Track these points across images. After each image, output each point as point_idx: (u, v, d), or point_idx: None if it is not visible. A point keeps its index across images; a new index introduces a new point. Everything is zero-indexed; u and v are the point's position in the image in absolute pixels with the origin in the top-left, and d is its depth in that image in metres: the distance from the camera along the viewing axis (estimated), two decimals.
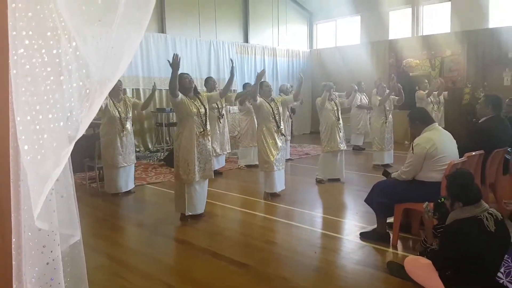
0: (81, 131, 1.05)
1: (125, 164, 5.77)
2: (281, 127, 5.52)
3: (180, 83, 4.48)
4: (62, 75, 0.99)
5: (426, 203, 3.17)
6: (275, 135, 5.40)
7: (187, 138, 4.49)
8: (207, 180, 4.79)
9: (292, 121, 9.40)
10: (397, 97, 7.77)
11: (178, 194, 4.65)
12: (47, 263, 1.13)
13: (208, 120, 4.65)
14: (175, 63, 4.17)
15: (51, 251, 1.13)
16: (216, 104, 6.87)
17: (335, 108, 6.41)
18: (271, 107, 5.42)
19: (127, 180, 5.91)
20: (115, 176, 5.77)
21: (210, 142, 4.71)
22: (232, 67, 5.08)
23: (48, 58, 0.99)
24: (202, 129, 4.54)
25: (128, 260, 3.68)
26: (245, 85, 8.18)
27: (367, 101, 9.76)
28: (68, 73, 1.00)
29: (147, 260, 3.68)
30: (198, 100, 4.60)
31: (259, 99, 5.35)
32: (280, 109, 5.57)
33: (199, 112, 4.53)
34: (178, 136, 4.57)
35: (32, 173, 1.00)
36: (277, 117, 5.45)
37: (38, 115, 0.98)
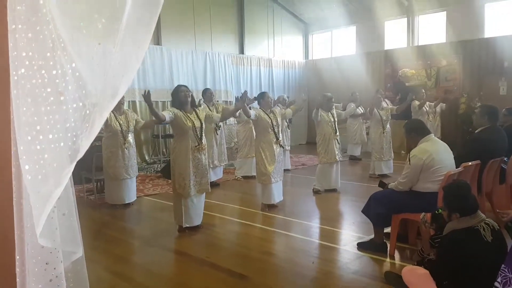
0: (82, 152, 1.06)
1: (128, 176, 5.81)
2: (280, 138, 5.54)
3: (177, 96, 4.50)
4: (62, 96, 1.01)
5: (423, 214, 3.19)
6: (274, 146, 5.41)
7: (182, 153, 4.47)
8: (204, 193, 4.78)
9: (289, 131, 9.42)
10: (395, 107, 7.83)
11: (176, 206, 4.65)
12: (50, 280, 1.14)
13: (204, 134, 4.62)
14: (146, 98, 4.15)
15: (54, 268, 1.14)
16: (209, 110, 6.89)
17: (332, 120, 6.43)
18: (270, 118, 5.43)
19: (129, 192, 5.93)
20: (117, 188, 5.80)
21: (206, 156, 4.69)
22: (242, 97, 4.94)
23: (48, 79, 1.00)
24: (197, 144, 4.50)
25: (126, 272, 3.67)
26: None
27: (362, 111, 9.82)
28: (68, 94, 1.01)
29: (145, 272, 3.68)
30: (194, 113, 4.57)
31: (254, 113, 5.34)
32: (279, 120, 5.59)
33: (194, 126, 4.49)
34: (174, 150, 4.57)
35: (33, 193, 1.01)
36: (276, 129, 5.46)
37: (39, 135, 0.99)
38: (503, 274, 2.38)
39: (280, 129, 5.60)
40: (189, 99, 4.53)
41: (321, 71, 13.94)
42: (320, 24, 14.21)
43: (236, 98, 6.41)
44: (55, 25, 0.98)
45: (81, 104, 1.02)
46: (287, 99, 8.87)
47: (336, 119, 6.50)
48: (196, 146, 4.49)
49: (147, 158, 10.26)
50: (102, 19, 0.98)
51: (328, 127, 6.39)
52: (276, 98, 8.61)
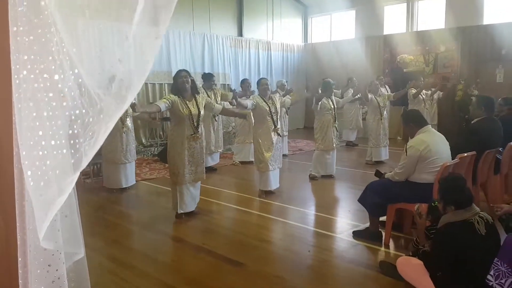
0: (85, 163, 1.06)
1: (126, 161, 5.82)
2: (278, 126, 5.52)
3: (175, 82, 4.45)
4: (65, 101, 1.00)
5: (417, 205, 3.22)
6: (272, 134, 5.40)
7: (178, 140, 4.46)
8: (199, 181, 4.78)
9: (287, 117, 9.42)
10: (392, 94, 7.83)
11: (173, 193, 4.67)
12: (53, 281, 1.15)
13: (200, 122, 4.56)
14: (134, 109, 4.18)
15: (56, 270, 1.15)
16: (207, 96, 6.86)
17: (332, 107, 6.43)
18: (268, 105, 5.40)
19: (127, 176, 5.95)
20: (115, 172, 5.83)
21: (202, 144, 4.63)
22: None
23: (51, 83, 0.99)
24: (192, 132, 4.46)
25: (123, 258, 3.71)
26: (243, 81, 8.16)
27: (359, 95, 9.80)
28: (71, 99, 1.01)
29: (142, 258, 3.72)
30: (194, 100, 4.51)
31: (251, 102, 5.32)
32: (278, 107, 5.54)
33: (191, 114, 4.42)
34: (171, 137, 4.56)
35: (36, 199, 1.01)
36: (274, 116, 5.43)
37: (41, 140, 0.99)
38: (496, 267, 2.43)
39: (278, 116, 5.56)
40: (188, 86, 4.43)
41: (320, 55, 13.85)
42: (320, 7, 14.03)
43: (234, 92, 6.35)
44: (57, 28, 0.96)
45: (84, 111, 1.01)
46: (286, 84, 8.83)
47: (335, 106, 6.50)
48: (191, 135, 4.46)
49: (143, 141, 10.24)
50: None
51: (328, 115, 6.39)
52: (276, 83, 8.63)
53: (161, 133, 10.52)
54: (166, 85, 10.37)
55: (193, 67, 11.06)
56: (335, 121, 6.43)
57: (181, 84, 4.41)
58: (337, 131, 6.56)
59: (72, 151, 1.02)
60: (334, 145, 6.48)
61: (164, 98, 4.42)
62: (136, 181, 6.38)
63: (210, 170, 7.30)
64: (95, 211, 5.10)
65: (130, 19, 1.04)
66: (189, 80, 4.45)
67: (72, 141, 1.02)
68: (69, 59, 0.98)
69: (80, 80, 1.00)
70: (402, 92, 7.74)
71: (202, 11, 11.53)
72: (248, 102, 5.30)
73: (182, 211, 4.63)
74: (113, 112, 1.02)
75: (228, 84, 11.89)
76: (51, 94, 0.99)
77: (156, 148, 9.38)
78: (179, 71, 4.54)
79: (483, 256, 2.56)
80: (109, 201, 5.56)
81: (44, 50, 0.98)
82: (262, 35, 13.33)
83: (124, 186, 5.92)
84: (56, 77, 0.98)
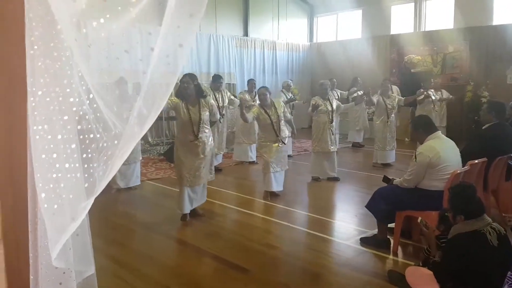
0: (98, 190, 1.04)
1: (127, 163, 5.80)
2: (279, 136, 5.42)
3: (179, 87, 4.43)
4: (80, 125, 0.98)
5: (420, 218, 3.20)
6: (273, 143, 5.40)
7: (181, 143, 4.49)
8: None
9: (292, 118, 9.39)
10: (402, 98, 7.76)
11: (178, 193, 4.67)
12: None
13: (202, 128, 4.45)
14: None
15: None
16: (217, 102, 6.86)
17: (330, 109, 6.36)
18: (269, 116, 5.35)
19: (132, 176, 5.97)
20: (122, 172, 5.82)
21: (206, 149, 4.54)
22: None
23: (65, 106, 0.97)
24: (192, 138, 4.41)
25: (127, 260, 3.70)
26: (249, 81, 8.19)
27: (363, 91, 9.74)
28: (86, 123, 0.99)
29: (147, 261, 3.70)
30: (198, 105, 4.44)
31: (251, 116, 5.34)
32: (281, 114, 5.45)
33: (191, 119, 4.36)
34: (176, 137, 4.59)
35: (49, 220, 0.99)
36: (275, 126, 5.37)
37: (55, 163, 0.97)
38: (510, 282, 2.39)
39: (280, 124, 5.45)
40: (189, 91, 4.37)
41: (326, 55, 13.78)
42: (326, 6, 13.95)
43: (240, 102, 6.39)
44: (72, 53, 0.94)
45: (98, 135, 0.99)
46: (291, 84, 8.82)
47: (334, 108, 6.43)
48: (191, 141, 4.43)
49: (150, 139, 10.25)
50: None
51: (324, 116, 6.34)
52: (282, 83, 8.71)
53: (167, 132, 10.52)
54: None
55: (199, 68, 11.06)
56: (331, 122, 6.36)
57: (182, 90, 4.39)
58: (333, 134, 6.45)
59: (86, 175, 1.00)
60: (330, 149, 6.39)
61: (169, 99, 4.40)
62: (142, 181, 6.38)
63: (214, 170, 7.31)
64: (99, 212, 5.09)
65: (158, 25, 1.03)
66: (191, 85, 4.38)
67: (86, 165, 1.00)
68: (84, 84, 0.96)
69: (95, 105, 0.98)
70: (413, 97, 7.72)
71: (209, 12, 11.48)
72: (249, 117, 5.30)
73: (186, 212, 4.63)
74: (129, 139, 0.99)
75: (233, 84, 11.87)
76: (66, 117, 0.97)
77: (162, 147, 9.37)
78: (183, 76, 4.49)
79: (496, 269, 2.53)
80: (114, 201, 5.55)
81: (60, 73, 0.96)
82: (267, 35, 13.28)
83: (129, 186, 5.92)
84: (71, 100, 0.97)
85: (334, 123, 6.46)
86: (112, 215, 5.01)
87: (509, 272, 2.45)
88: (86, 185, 1.00)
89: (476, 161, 3.79)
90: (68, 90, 0.96)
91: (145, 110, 1.01)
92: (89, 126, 1.05)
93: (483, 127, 4.45)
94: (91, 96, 0.97)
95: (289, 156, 8.47)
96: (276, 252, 3.91)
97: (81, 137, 0.99)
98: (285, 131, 5.61)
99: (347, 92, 9.47)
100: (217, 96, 7.01)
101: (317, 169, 6.53)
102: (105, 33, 0.97)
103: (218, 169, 7.36)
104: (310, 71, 14.39)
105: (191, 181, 4.52)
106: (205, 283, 3.28)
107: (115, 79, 1.10)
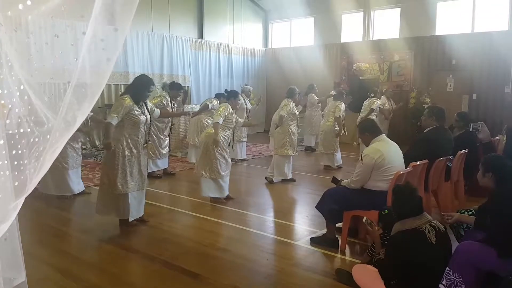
0: (30, 188, 0.97)
1: (77, 166, 5.72)
2: (231, 144, 5.61)
3: (140, 88, 4.29)
4: (8, 119, 0.91)
5: (365, 217, 3.31)
6: (225, 146, 5.42)
7: (129, 148, 4.28)
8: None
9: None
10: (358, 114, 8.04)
11: (120, 200, 4.41)
12: None
13: (150, 130, 4.48)
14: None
15: None
16: (170, 104, 6.75)
17: (297, 113, 6.58)
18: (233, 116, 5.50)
19: (74, 182, 5.71)
20: (62, 179, 5.57)
21: (146, 152, 4.56)
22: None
23: None
24: (144, 141, 4.38)
25: (72, 270, 3.51)
26: (217, 95, 8.11)
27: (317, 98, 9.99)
28: (15, 118, 0.91)
29: (94, 270, 3.55)
30: (144, 107, 4.38)
31: (221, 120, 5.30)
32: (234, 118, 5.58)
33: (146, 121, 4.34)
34: (119, 142, 4.24)
35: None
36: (227, 138, 5.48)
37: None
38: (448, 277, 2.51)
39: (233, 134, 5.67)
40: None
41: (280, 60, 14.00)
42: (280, 13, 14.19)
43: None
44: (1, 43, 0.87)
45: (29, 130, 0.92)
46: (251, 91, 8.94)
47: (297, 115, 6.63)
48: (143, 145, 4.37)
49: (97, 143, 9.87)
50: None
51: (293, 122, 6.50)
52: (242, 88, 8.84)
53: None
54: (122, 86, 10.04)
55: (151, 69, 10.83)
56: (297, 129, 6.58)
57: (145, 96, 4.34)
58: (296, 138, 6.67)
59: (16, 173, 0.92)
60: (294, 153, 6.59)
61: (121, 103, 4.23)
62: (88, 186, 6.12)
63: (168, 174, 7.16)
64: (42, 219, 4.83)
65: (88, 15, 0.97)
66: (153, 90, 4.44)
67: (15, 162, 0.93)
68: (14, 75, 0.89)
69: (26, 97, 0.91)
70: (368, 113, 8.12)
71: (162, 12, 11.31)
72: (220, 120, 5.26)
73: (133, 218, 4.47)
74: (61, 133, 0.93)
75: (187, 87, 11.73)
76: None
77: None
78: (149, 81, 4.40)
79: (435, 265, 2.65)
80: (58, 208, 5.28)
81: None
82: (223, 39, 13.27)
83: (73, 193, 5.67)
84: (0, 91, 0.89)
85: (298, 128, 6.63)
86: (56, 223, 4.75)
87: (447, 268, 2.58)
88: (16, 183, 0.93)
89: (418, 163, 3.98)
90: None
91: (77, 100, 0.95)
92: (19, 120, 0.97)
93: (424, 131, 4.68)
94: (21, 87, 0.90)
95: (243, 159, 8.55)
96: (228, 255, 3.88)
97: (10, 132, 0.91)
98: (241, 132, 5.69)
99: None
100: (173, 103, 6.91)
101: (277, 172, 6.59)
102: (33, 16, 0.91)
103: (171, 173, 7.22)
104: (265, 76, 14.56)
105: (137, 186, 4.40)
106: None
107: (45, 66, 1.03)
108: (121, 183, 4.26)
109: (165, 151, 7.00)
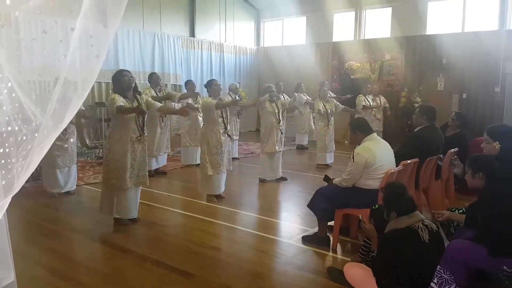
0: (16, 188, 0.95)
1: (64, 166, 5.61)
2: (228, 128, 5.49)
3: (118, 81, 4.26)
4: None
5: (361, 216, 3.32)
6: (221, 137, 5.35)
7: (121, 143, 4.26)
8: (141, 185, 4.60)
9: (239, 121, 9.42)
10: (342, 106, 8.05)
11: (105, 195, 4.46)
12: None
13: (145, 124, 4.42)
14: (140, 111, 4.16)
15: None
16: (160, 102, 6.70)
17: (276, 111, 6.48)
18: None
19: (67, 180, 5.68)
20: (55, 176, 5.56)
21: (146, 146, 4.51)
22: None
23: None
24: (138, 134, 4.34)
25: (63, 269, 3.48)
26: (187, 82, 8.03)
27: (307, 98, 9.97)
28: (2, 115, 0.89)
29: (84, 269, 3.51)
30: (136, 101, 4.34)
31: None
32: (228, 110, 5.53)
33: (137, 116, 4.29)
34: (111, 138, 4.32)
35: None
36: (225, 119, 5.40)
37: None
38: (439, 275, 2.52)
39: (229, 119, 5.55)
40: (133, 85, 4.32)
41: (272, 59, 14.00)
42: (272, 11, 14.18)
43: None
44: None
45: (16, 128, 0.90)
46: (238, 87, 8.85)
47: (280, 109, 6.55)
48: (137, 137, 4.32)
49: (87, 142, 9.78)
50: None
51: (272, 117, 6.44)
52: (229, 86, 8.72)
53: (106, 134, 10.09)
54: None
55: (142, 67, 10.76)
56: (279, 123, 6.48)
57: (127, 83, 4.25)
58: (282, 133, 6.57)
59: (3, 171, 0.90)
60: (277, 148, 6.50)
61: (115, 98, 4.19)
62: (79, 185, 6.07)
63: (159, 173, 7.12)
64: (33, 218, 4.78)
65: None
66: (134, 79, 4.33)
67: (3, 161, 0.90)
68: (1, 72, 0.87)
69: (13, 94, 0.89)
70: (351, 110, 8.24)
71: (153, 9, 11.23)
72: (214, 101, 5.23)
73: (117, 216, 4.45)
74: (49, 131, 0.91)
75: (179, 85, 11.68)
76: None
77: (100, 150, 8.97)
78: (121, 70, 4.40)
79: (427, 264, 2.66)
80: (49, 207, 5.23)
81: None
82: (214, 37, 13.22)
83: (65, 191, 5.62)
84: None
85: (281, 123, 6.55)
86: (46, 221, 4.70)
87: (438, 266, 2.60)
88: (3, 182, 0.91)
89: (409, 161, 4.00)
90: None
91: (65, 97, 0.93)
92: (7, 118, 0.95)
93: (415, 130, 4.71)
94: (9, 85, 0.88)
95: (235, 158, 8.53)
96: (220, 254, 3.87)
97: None
98: (233, 132, 5.66)
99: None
100: (158, 94, 6.89)
101: (266, 171, 6.57)
102: (20, 12, 0.89)
103: (162, 172, 7.19)
104: (257, 74, 14.55)
105: (134, 181, 4.39)
106: None
107: (33, 63, 1.01)
108: (117, 179, 4.26)
109: (156, 151, 6.97)
